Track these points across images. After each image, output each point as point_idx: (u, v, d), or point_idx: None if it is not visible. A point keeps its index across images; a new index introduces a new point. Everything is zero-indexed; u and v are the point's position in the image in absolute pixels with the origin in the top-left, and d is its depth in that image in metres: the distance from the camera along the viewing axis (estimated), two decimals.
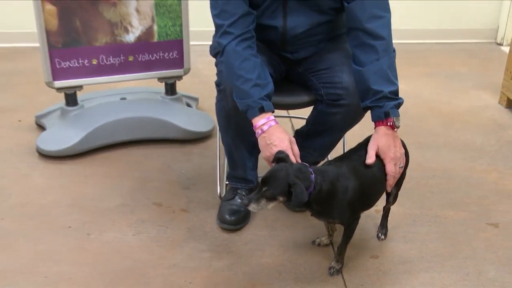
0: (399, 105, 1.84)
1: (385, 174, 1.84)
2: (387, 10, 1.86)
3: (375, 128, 1.83)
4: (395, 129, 1.82)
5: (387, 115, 1.80)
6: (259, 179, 1.74)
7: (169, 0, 2.61)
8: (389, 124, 1.80)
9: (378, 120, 1.82)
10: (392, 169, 1.82)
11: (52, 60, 2.56)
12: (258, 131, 1.81)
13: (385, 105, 1.80)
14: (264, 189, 1.66)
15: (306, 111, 2.14)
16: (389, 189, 1.89)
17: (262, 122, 1.80)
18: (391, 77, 1.82)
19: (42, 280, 1.87)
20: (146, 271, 1.92)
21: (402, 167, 1.86)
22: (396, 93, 1.83)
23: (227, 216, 2.13)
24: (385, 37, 1.83)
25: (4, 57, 3.72)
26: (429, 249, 2.05)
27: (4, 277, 1.88)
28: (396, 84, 1.83)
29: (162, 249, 2.03)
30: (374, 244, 2.07)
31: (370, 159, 1.80)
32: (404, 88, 1.92)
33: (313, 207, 1.76)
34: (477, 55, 3.92)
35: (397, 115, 1.82)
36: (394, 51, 1.87)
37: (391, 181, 1.84)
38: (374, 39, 1.82)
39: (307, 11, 1.94)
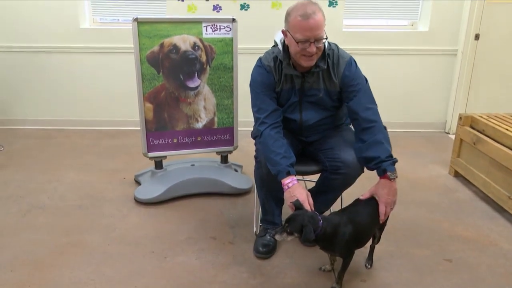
0: (393, 163, 1.79)
1: (373, 225, 1.78)
2: (374, 102, 1.88)
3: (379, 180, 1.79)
4: (391, 180, 1.77)
5: (384, 172, 1.77)
6: (283, 221, 1.72)
7: (225, 101, 2.69)
8: (387, 177, 1.76)
9: (380, 176, 1.79)
10: (383, 209, 1.77)
11: (147, 139, 2.63)
12: (285, 187, 1.80)
13: (382, 165, 1.77)
14: (286, 225, 1.64)
15: (315, 176, 2.13)
16: (381, 222, 1.79)
17: (288, 181, 1.79)
18: (386, 146, 1.80)
19: None
20: (204, 285, 1.88)
21: (391, 209, 1.79)
22: (390, 155, 1.79)
23: (260, 248, 2.09)
24: (377, 120, 1.83)
25: (113, 136, 3.83)
26: (403, 276, 1.96)
27: (108, 285, 1.87)
28: (389, 150, 1.80)
29: (215, 269, 1.99)
30: (363, 271, 1.99)
31: (363, 196, 1.78)
32: None
33: (320, 243, 1.72)
34: (433, 140, 3.88)
35: (392, 170, 1.77)
36: (385, 128, 1.86)
37: (382, 217, 1.77)
38: (369, 123, 1.82)
39: (316, 109, 1.97)
